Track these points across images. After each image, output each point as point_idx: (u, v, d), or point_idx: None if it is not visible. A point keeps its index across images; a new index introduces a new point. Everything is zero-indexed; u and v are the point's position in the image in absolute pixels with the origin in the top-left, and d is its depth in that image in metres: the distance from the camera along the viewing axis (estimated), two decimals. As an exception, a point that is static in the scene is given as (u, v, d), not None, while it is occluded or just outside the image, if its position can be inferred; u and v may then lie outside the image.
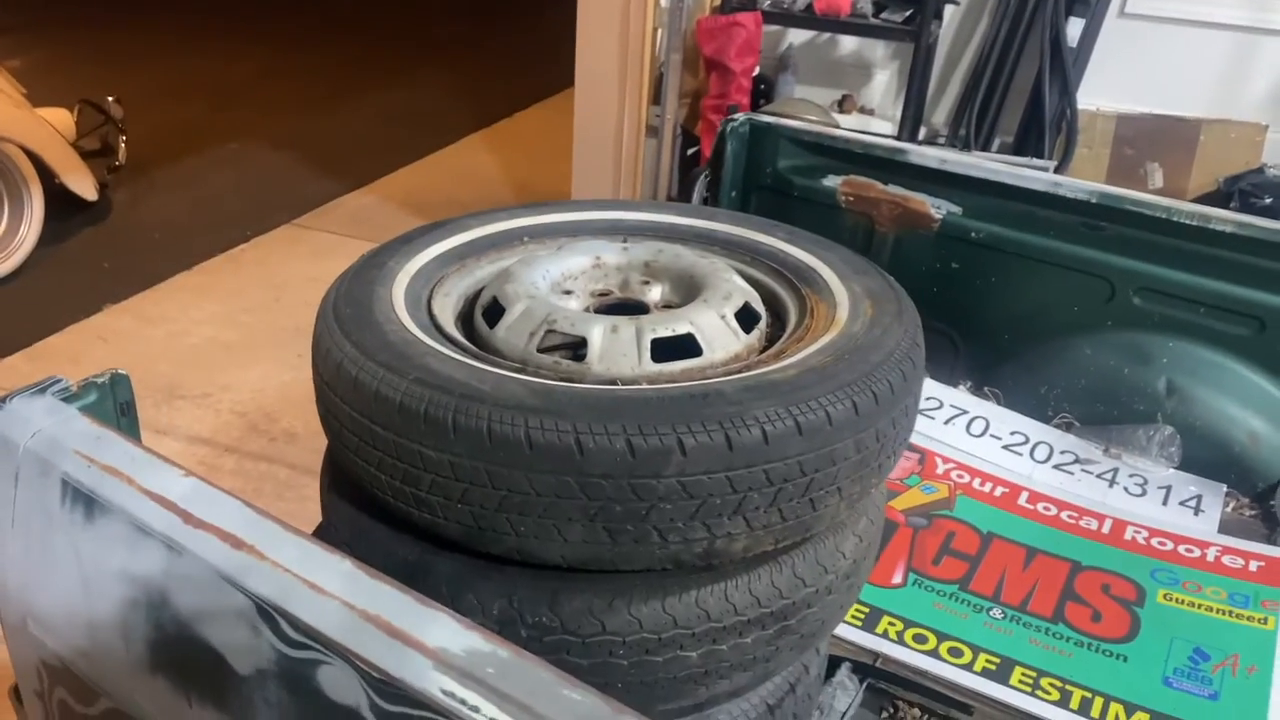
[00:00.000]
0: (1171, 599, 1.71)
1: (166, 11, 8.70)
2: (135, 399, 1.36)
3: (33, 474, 1.16)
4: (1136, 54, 3.91)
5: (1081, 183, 2.19)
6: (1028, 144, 3.98)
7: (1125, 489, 1.99)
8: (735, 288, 1.32)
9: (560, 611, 1.12)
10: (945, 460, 2.03)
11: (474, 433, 1.03)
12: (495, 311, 1.27)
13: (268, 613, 0.97)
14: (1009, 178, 2.23)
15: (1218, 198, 3.72)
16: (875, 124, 4.29)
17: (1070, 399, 2.19)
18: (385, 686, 0.91)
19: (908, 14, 3.94)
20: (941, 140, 4.18)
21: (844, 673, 1.56)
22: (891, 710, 1.54)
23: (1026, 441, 2.10)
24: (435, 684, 0.88)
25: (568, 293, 1.37)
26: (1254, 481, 2.01)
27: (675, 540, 1.06)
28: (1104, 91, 3.94)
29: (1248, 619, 1.66)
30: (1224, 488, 2.00)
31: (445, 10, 9.09)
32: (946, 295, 2.37)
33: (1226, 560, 1.79)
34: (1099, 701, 1.52)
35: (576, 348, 1.21)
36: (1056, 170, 3.72)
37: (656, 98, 4.11)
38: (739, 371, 1.17)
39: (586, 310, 1.34)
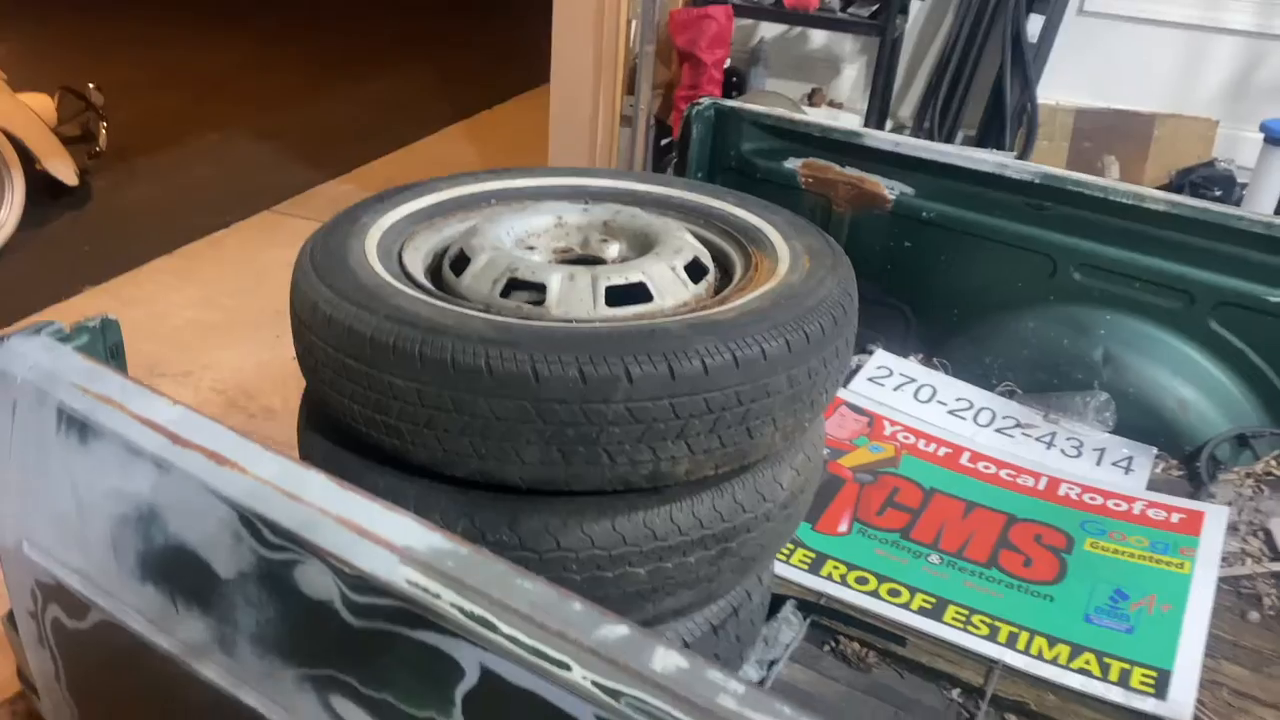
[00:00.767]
0: (1098, 547, 1.83)
1: (149, 1, 8.72)
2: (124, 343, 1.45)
3: (29, 404, 1.25)
4: (1094, 50, 4.04)
5: (1026, 164, 2.32)
6: (990, 137, 4.11)
7: (1062, 450, 2.11)
8: (686, 244, 1.43)
9: (519, 530, 1.23)
10: (893, 423, 2.15)
11: (439, 363, 1.13)
12: (462, 262, 1.37)
13: (249, 520, 1.07)
14: (958, 160, 2.35)
15: (1170, 190, 3.86)
16: (844, 117, 4.41)
17: (1013, 369, 2.31)
18: (356, 580, 1.01)
19: (874, 9, 4.06)
20: (907, 132, 4.29)
21: (789, 609, 1.67)
22: (834, 644, 1.65)
23: (971, 407, 2.22)
24: (401, 576, 0.99)
25: (530, 248, 1.47)
26: (1182, 445, 2.14)
27: (623, 462, 1.17)
28: (1063, 86, 4.07)
29: (1166, 564, 1.78)
30: (1154, 450, 2.12)
31: (428, 5, 9.15)
32: (900, 272, 2.48)
33: (1151, 513, 1.91)
34: (1025, 636, 1.63)
35: (537, 294, 1.31)
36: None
37: (631, 88, 4.21)
38: (686, 314, 1.27)
39: (549, 262, 1.44)
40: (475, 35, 8.49)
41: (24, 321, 1.31)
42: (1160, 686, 1.54)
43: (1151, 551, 1.81)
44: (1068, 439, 2.14)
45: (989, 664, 1.59)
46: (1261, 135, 3.37)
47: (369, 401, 1.19)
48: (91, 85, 5.02)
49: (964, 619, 1.66)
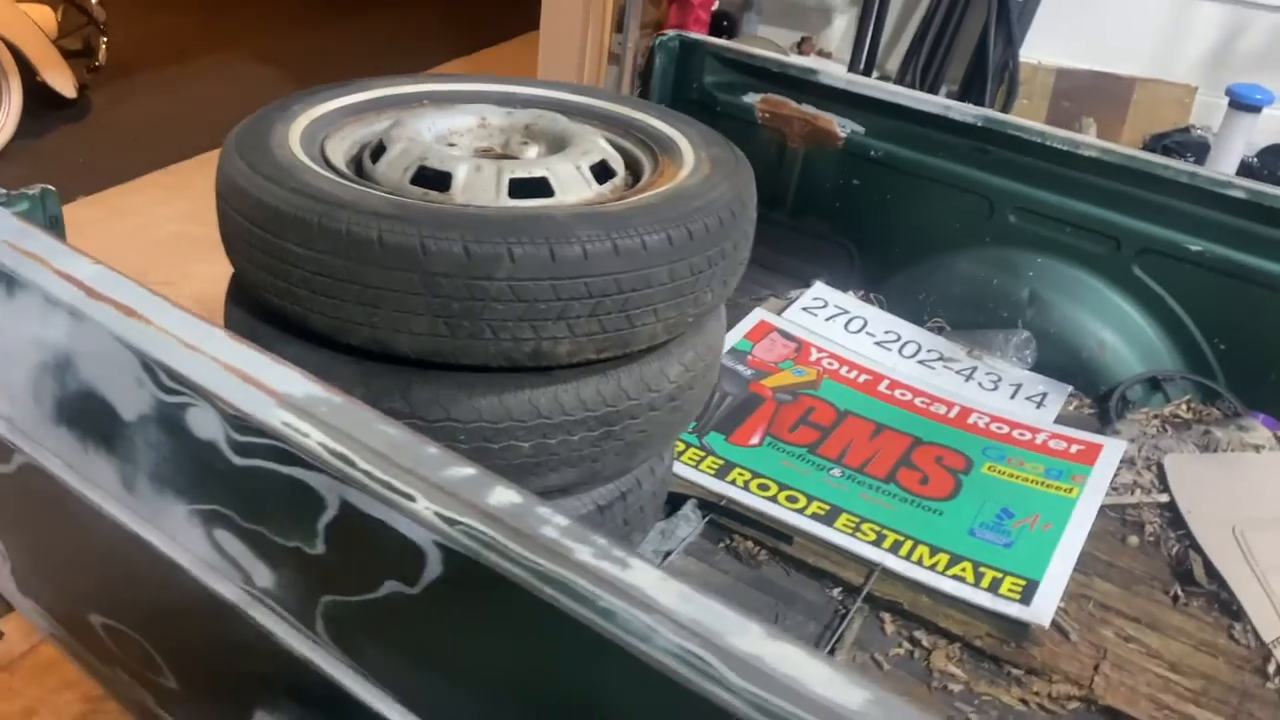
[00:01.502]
0: (995, 470, 1.92)
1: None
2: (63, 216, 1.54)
3: (-35, 260, 1.34)
4: (1079, 11, 4.06)
5: (969, 107, 2.38)
6: (972, 93, 4.14)
7: (980, 384, 2.19)
8: (595, 146, 1.50)
9: (411, 399, 1.32)
10: (819, 350, 2.23)
11: (335, 233, 1.22)
12: (380, 152, 1.46)
13: (150, 367, 1.17)
14: (906, 100, 2.41)
15: (1144, 153, 3.90)
16: (831, 67, 4.43)
17: (944, 306, 2.39)
18: (238, 421, 1.10)
19: (865, -42, 4.09)
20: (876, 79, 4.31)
21: (689, 507, 1.77)
22: (728, 541, 1.75)
23: (898, 339, 2.30)
24: (277, 418, 1.08)
25: (451, 145, 1.55)
26: (1098, 385, 2.22)
27: (506, 338, 1.26)
28: (1046, 46, 4.10)
29: (1056, 488, 1.87)
30: (1069, 388, 2.20)
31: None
32: (847, 210, 2.56)
33: (1052, 444, 2.00)
34: (909, 544, 1.73)
35: (445, 183, 1.39)
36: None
37: (620, 26, 4.26)
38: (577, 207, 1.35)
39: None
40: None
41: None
42: (1027, 594, 1.63)
43: (1045, 477, 1.90)
44: (987, 374, 2.22)
45: (870, 566, 1.69)
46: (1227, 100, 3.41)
47: (274, 270, 1.28)
48: (94, 0, 5.07)
49: (854, 526, 1.76)
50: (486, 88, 1.71)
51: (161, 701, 1.44)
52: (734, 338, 2.22)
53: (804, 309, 2.36)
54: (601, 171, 1.48)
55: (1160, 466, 1.96)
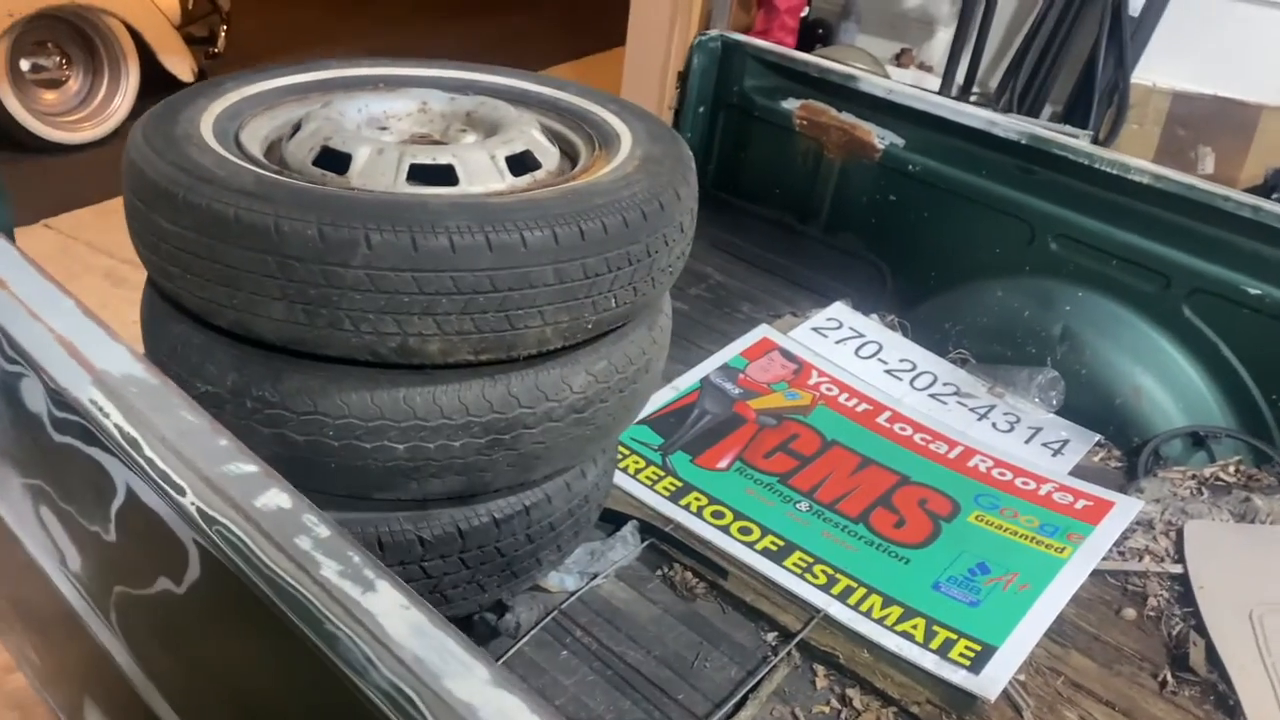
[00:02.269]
0: (981, 520, 1.73)
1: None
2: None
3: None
4: (1202, 31, 3.72)
5: (1015, 122, 2.18)
6: (1076, 115, 3.86)
7: (994, 424, 1.99)
8: (522, 135, 1.41)
9: (280, 388, 1.25)
10: (820, 374, 2.07)
11: (197, 209, 1.16)
12: (295, 131, 1.40)
13: (-2, 335, 1.14)
14: (947, 112, 2.23)
15: (1263, 190, 3.55)
16: (929, 80, 4.22)
17: (970, 336, 2.19)
18: (56, 396, 1.06)
19: (969, -33, 3.86)
20: (973, 99, 4.06)
21: (629, 529, 1.65)
22: (666, 570, 1.62)
23: (913, 369, 2.12)
24: (87, 395, 1.03)
25: (383, 129, 1.48)
26: (1130, 436, 1.99)
27: (368, 331, 1.17)
28: (1163, 67, 3.78)
29: (1046, 546, 1.67)
30: (1097, 437, 1.98)
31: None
32: (881, 228, 2.39)
33: (1057, 497, 1.79)
34: (861, 592, 1.57)
35: (346, 165, 1.32)
36: (1101, 145, 3.60)
37: (707, 28, 4.14)
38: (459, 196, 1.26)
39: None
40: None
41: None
42: (979, 662, 1.45)
43: (1038, 533, 1.70)
44: (1004, 414, 2.02)
45: (812, 612, 1.53)
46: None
47: (150, 246, 1.24)
48: (220, -12, 5.28)
49: (805, 566, 1.61)
50: (443, 74, 1.64)
51: (39, 678, 1.42)
52: (728, 354, 2.09)
53: (814, 329, 2.21)
54: (523, 162, 1.38)
55: (1180, 533, 1.73)
